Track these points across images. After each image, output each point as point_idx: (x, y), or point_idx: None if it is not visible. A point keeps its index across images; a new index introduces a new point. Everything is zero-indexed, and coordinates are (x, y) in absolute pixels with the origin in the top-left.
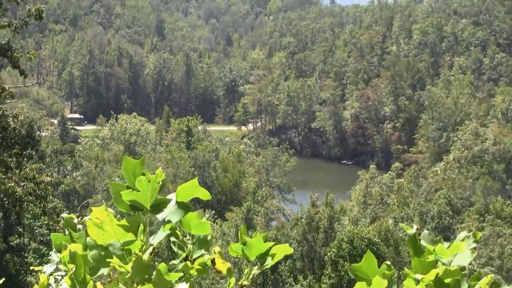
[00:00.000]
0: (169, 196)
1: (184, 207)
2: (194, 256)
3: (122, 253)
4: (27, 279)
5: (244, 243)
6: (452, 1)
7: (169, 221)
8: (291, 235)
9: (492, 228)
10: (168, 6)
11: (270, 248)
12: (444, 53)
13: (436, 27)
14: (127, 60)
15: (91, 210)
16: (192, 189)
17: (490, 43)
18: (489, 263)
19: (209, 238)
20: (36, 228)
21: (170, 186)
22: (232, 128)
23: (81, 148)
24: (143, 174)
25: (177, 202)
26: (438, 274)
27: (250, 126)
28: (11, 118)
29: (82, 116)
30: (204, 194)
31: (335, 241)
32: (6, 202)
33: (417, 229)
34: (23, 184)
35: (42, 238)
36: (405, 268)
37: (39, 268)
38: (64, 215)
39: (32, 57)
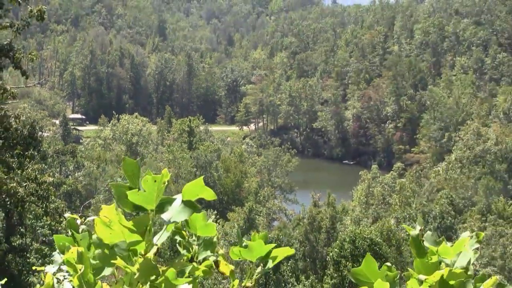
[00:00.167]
0: (174, 197)
1: (190, 206)
2: (200, 258)
3: (128, 253)
4: (29, 279)
5: (245, 246)
6: (454, 1)
7: (174, 221)
8: (293, 235)
9: (494, 228)
10: (169, 6)
11: (271, 250)
12: (446, 53)
13: (438, 27)
14: (128, 60)
15: (93, 210)
16: (198, 189)
17: (492, 43)
18: (491, 263)
19: (215, 239)
20: (38, 228)
21: (172, 187)
22: (234, 128)
23: (83, 149)
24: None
25: (183, 201)
26: (442, 275)
27: (252, 126)
28: (13, 119)
29: (84, 117)
30: (210, 194)
31: (337, 241)
32: (8, 203)
33: (420, 230)
34: (25, 184)
35: (44, 239)
36: (409, 269)
37: (42, 268)
38: (67, 215)
39: (34, 58)
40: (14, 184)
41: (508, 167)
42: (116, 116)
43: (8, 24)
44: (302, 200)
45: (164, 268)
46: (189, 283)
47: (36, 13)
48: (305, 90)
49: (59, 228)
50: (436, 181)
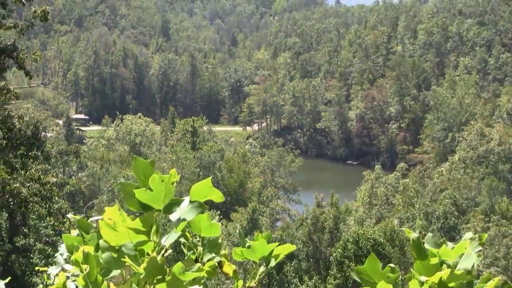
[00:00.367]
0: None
1: (198, 207)
2: (204, 259)
3: (135, 254)
4: (33, 279)
5: (247, 246)
6: (457, 1)
7: (183, 220)
8: (297, 236)
9: (497, 229)
10: (173, 6)
11: (274, 249)
12: (449, 53)
13: (441, 27)
14: (132, 60)
15: (96, 210)
16: (206, 190)
17: (495, 43)
18: (494, 264)
19: (219, 240)
20: (41, 229)
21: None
22: (237, 128)
23: (86, 149)
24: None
25: (191, 202)
26: (442, 277)
27: (255, 127)
28: (16, 119)
29: (87, 117)
30: (218, 196)
31: (341, 242)
32: (12, 203)
33: (420, 232)
34: (28, 185)
35: (47, 239)
36: (411, 269)
37: (45, 269)
38: (70, 216)
39: (38, 58)
40: (18, 185)
41: (511, 168)
42: (120, 116)
43: (12, 24)
44: (305, 200)
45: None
46: (195, 283)
47: (40, 14)
48: (309, 91)
49: (63, 229)
50: (439, 181)
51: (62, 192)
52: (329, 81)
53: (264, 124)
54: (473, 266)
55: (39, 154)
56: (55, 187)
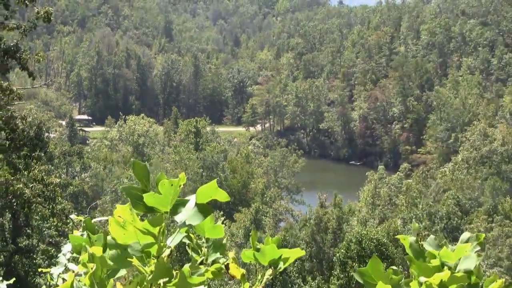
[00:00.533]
0: (186, 198)
1: (204, 209)
2: (209, 260)
3: (141, 255)
4: (36, 280)
5: (258, 250)
6: (460, 1)
7: (189, 224)
8: (300, 236)
9: (500, 229)
10: (176, 7)
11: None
12: (452, 53)
13: (444, 27)
14: (135, 61)
15: (99, 211)
16: (212, 191)
17: (498, 43)
18: (497, 264)
19: (224, 241)
20: (44, 229)
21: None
22: (241, 129)
23: (89, 150)
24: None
25: (197, 204)
26: (442, 279)
27: (259, 127)
28: (19, 120)
29: (90, 118)
30: (223, 196)
31: (344, 242)
32: (15, 204)
33: (417, 234)
34: (31, 185)
35: (50, 240)
36: (412, 271)
37: (48, 270)
38: (73, 216)
39: (41, 59)
40: (21, 185)
41: None
42: (123, 117)
43: (15, 25)
44: (308, 201)
45: (176, 270)
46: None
47: (42, 15)
48: (312, 91)
49: (66, 230)
50: (442, 181)
51: (65, 192)
52: (332, 82)
53: (267, 125)
54: (476, 268)
55: (42, 155)
56: (58, 188)
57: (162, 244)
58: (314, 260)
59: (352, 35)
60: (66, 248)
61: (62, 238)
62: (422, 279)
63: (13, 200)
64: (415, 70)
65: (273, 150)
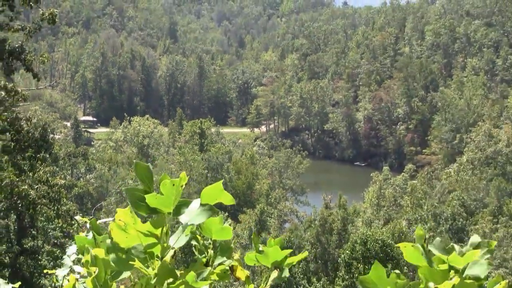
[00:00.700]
0: (193, 201)
1: (209, 210)
2: (215, 262)
3: (145, 256)
4: (41, 281)
5: (260, 252)
6: (465, 2)
7: (192, 224)
8: (305, 237)
9: (506, 230)
10: (180, 8)
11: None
12: (457, 54)
13: (449, 28)
14: (139, 62)
15: (104, 212)
16: (217, 193)
17: (503, 44)
18: (503, 265)
19: (232, 245)
20: (49, 230)
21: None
22: (245, 130)
23: (94, 151)
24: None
25: (201, 205)
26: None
27: (263, 128)
28: (24, 121)
29: (95, 119)
30: (228, 199)
31: (349, 243)
32: (20, 205)
33: (424, 240)
34: (36, 187)
35: (55, 241)
36: (420, 275)
37: (53, 271)
38: (78, 218)
39: (45, 60)
40: (26, 187)
41: None
42: (128, 118)
43: (20, 27)
44: (313, 202)
45: (181, 271)
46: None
47: (47, 16)
48: (316, 92)
49: (71, 231)
50: (447, 182)
51: (70, 194)
52: (336, 83)
53: (271, 126)
54: (486, 276)
55: (47, 156)
56: (63, 189)
57: (165, 245)
58: (319, 261)
59: (357, 36)
60: (71, 249)
61: (67, 239)
62: (431, 285)
63: (18, 202)
64: (419, 71)
65: (278, 151)
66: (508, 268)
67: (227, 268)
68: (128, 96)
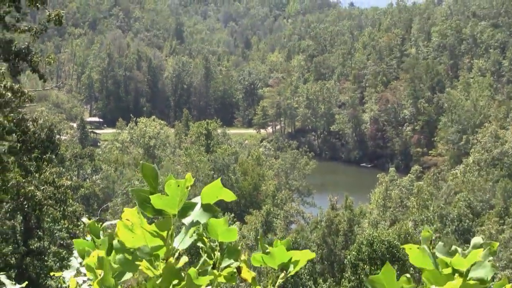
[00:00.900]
0: (193, 200)
1: (209, 209)
2: (222, 265)
3: (150, 258)
4: (47, 282)
5: (267, 253)
6: (471, 3)
7: (195, 224)
8: (311, 238)
9: None
10: (187, 9)
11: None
12: (463, 55)
13: (455, 29)
14: (146, 63)
15: (110, 213)
16: (216, 190)
17: (509, 45)
18: (509, 266)
19: (239, 248)
20: (56, 231)
21: (190, 190)
22: (251, 131)
23: (100, 152)
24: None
25: (202, 205)
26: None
27: (269, 129)
28: (30, 122)
29: (101, 120)
30: (228, 195)
31: (355, 244)
32: (26, 206)
33: (430, 242)
34: (43, 188)
35: (62, 242)
36: (423, 278)
37: (59, 274)
38: (84, 219)
39: (52, 61)
40: (32, 188)
41: None
42: (134, 119)
43: (26, 28)
44: (319, 203)
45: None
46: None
47: (54, 17)
48: (323, 93)
49: (77, 232)
50: (453, 183)
51: (76, 195)
52: (343, 84)
53: (278, 127)
54: (490, 279)
55: (54, 157)
56: (69, 190)
57: (171, 247)
58: (325, 262)
59: (363, 37)
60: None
61: (73, 240)
62: None
63: (25, 203)
64: (426, 72)
65: (284, 152)
66: None
67: (234, 270)
68: (134, 97)
